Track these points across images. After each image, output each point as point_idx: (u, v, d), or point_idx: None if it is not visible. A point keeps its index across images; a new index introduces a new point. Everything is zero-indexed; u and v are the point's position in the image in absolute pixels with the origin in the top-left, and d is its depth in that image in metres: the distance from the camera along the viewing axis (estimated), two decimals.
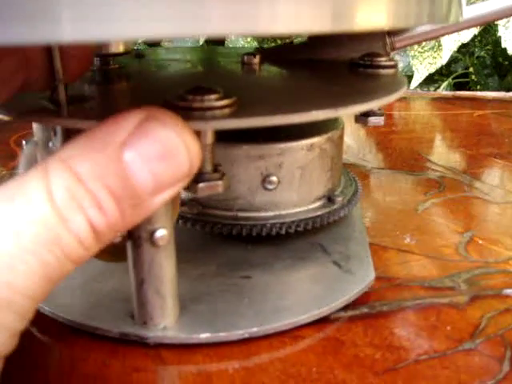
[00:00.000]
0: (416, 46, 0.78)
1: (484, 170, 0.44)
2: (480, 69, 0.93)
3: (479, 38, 0.89)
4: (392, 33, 0.33)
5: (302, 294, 0.25)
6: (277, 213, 0.27)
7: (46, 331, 0.24)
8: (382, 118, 0.29)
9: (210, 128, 0.18)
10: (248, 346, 0.23)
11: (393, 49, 0.34)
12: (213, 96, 0.17)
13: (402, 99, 0.68)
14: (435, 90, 0.92)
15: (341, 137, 0.30)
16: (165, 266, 0.21)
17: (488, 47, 0.94)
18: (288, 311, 0.24)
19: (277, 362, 0.22)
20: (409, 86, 0.88)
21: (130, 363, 0.22)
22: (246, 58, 0.30)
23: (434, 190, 0.40)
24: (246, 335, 0.22)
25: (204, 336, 0.22)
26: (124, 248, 0.21)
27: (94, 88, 0.23)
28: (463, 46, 0.75)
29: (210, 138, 0.19)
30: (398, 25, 0.17)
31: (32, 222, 0.14)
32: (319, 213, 0.27)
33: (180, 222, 0.27)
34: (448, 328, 0.24)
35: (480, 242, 0.32)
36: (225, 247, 0.28)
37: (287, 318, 0.23)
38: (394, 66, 0.29)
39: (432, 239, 0.33)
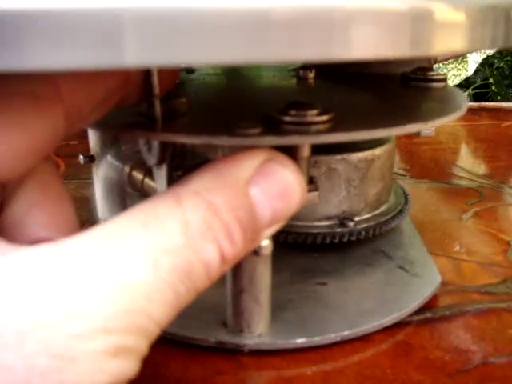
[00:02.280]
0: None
1: None
2: (500, 79, 0.94)
3: (498, 50, 0.91)
4: None
5: (379, 297, 0.26)
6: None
7: None
8: (434, 128, 0.30)
9: (310, 141, 0.20)
10: (322, 351, 0.24)
11: (435, 62, 0.35)
12: (314, 111, 0.18)
13: None
14: None
15: (394, 149, 0.31)
16: (265, 275, 0.22)
17: (507, 58, 0.95)
18: (371, 314, 0.25)
19: (352, 365, 0.23)
20: None
21: (211, 367, 0.23)
22: (301, 72, 0.31)
23: (475, 200, 0.41)
24: (338, 338, 0.24)
25: (300, 341, 0.23)
26: None
27: (179, 103, 0.24)
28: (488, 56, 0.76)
29: (306, 152, 0.20)
30: (474, 49, 0.18)
31: (168, 252, 0.15)
32: (379, 220, 0.29)
33: None
34: (511, 331, 0.25)
35: None
36: (292, 256, 0.29)
37: (373, 321, 0.24)
38: (444, 80, 0.30)
39: (481, 247, 0.34)
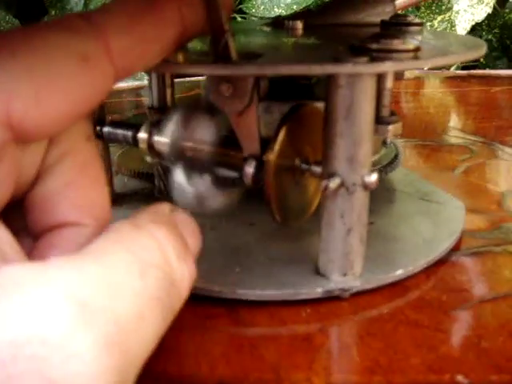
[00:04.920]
0: (428, 25, 0.78)
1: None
2: (488, 52, 0.94)
3: (486, 22, 0.90)
4: None
5: (426, 231, 0.27)
6: None
7: None
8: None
9: (402, 67, 0.21)
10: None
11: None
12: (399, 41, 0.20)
13: (416, 78, 0.68)
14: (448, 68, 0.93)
15: None
16: (367, 212, 0.22)
17: (496, 30, 0.95)
18: (426, 246, 0.26)
19: (346, 304, 0.23)
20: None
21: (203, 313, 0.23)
22: (291, 23, 0.30)
23: (467, 156, 0.41)
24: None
25: (398, 273, 0.24)
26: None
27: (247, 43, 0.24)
28: (471, 30, 0.76)
29: (390, 83, 0.21)
30: None
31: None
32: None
33: None
34: (506, 272, 0.25)
35: None
36: None
37: (431, 253, 0.25)
38: (421, 24, 0.29)
39: (475, 198, 0.33)
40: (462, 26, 0.74)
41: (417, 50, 0.21)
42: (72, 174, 0.18)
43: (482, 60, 0.93)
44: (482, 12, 0.74)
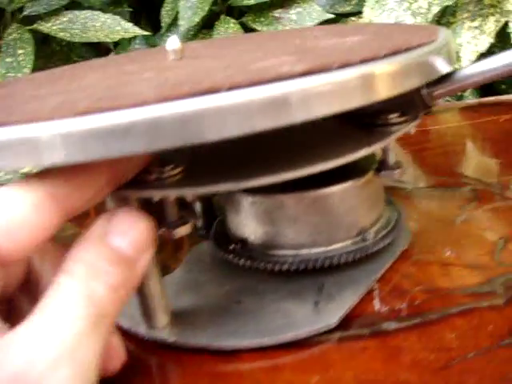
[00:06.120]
0: None
1: None
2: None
3: (498, 46, 0.92)
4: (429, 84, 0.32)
5: (265, 322, 0.31)
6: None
7: None
8: (398, 171, 0.34)
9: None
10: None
11: (432, 99, 0.33)
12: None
13: (432, 114, 0.71)
14: (461, 95, 0.96)
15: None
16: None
17: (509, 45, 0.97)
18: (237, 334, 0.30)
19: (348, 371, 0.27)
20: None
21: None
22: None
23: (469, 203, 0.44)
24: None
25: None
26: None
27: None
28: (482, 54, 0.79)
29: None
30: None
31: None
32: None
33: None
34: (490, 328, 0.29)
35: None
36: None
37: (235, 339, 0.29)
38: (406, 121, 0.33)
39: (470, 250, 0.37)
40: (468, 58, 0.77)
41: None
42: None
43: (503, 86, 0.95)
44: (485, 42, 0.77)
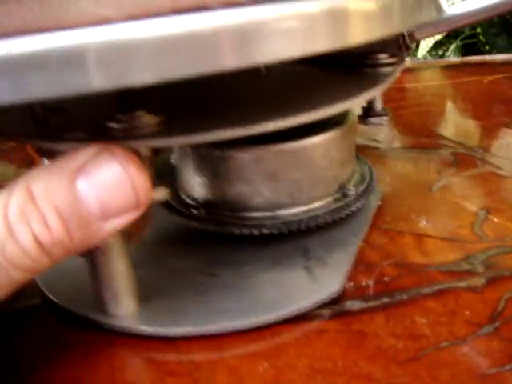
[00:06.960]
0: None
1: (496, 142, 0.45)
2: (487, 28, 0.92)
3: None
4: None
5: (254, 297, 0.26)
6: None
7: None
8: (386, 118, 0.30)
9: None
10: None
11: (414, 40, 0.32)
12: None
13: (410, 70, 0.67)
14: (443, 53, 0.91)
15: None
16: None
17: None
18: (227, 314, 0.25)
19: (303, 358, 0.23)
20: (416, 55, 0.87)
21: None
22: None
23: (448, 168, 0.40)
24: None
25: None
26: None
27: None
28: None
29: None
30: None
31: None
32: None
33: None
34: (467, 313, 0.25)
35: (495, 219, 0.33)
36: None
37: (223, 321, 0.24)
38: (395, 63, 0.29)
39: (448, 220, 0.33)
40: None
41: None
42: None
43: (481, 37, 0.92)
44: None
